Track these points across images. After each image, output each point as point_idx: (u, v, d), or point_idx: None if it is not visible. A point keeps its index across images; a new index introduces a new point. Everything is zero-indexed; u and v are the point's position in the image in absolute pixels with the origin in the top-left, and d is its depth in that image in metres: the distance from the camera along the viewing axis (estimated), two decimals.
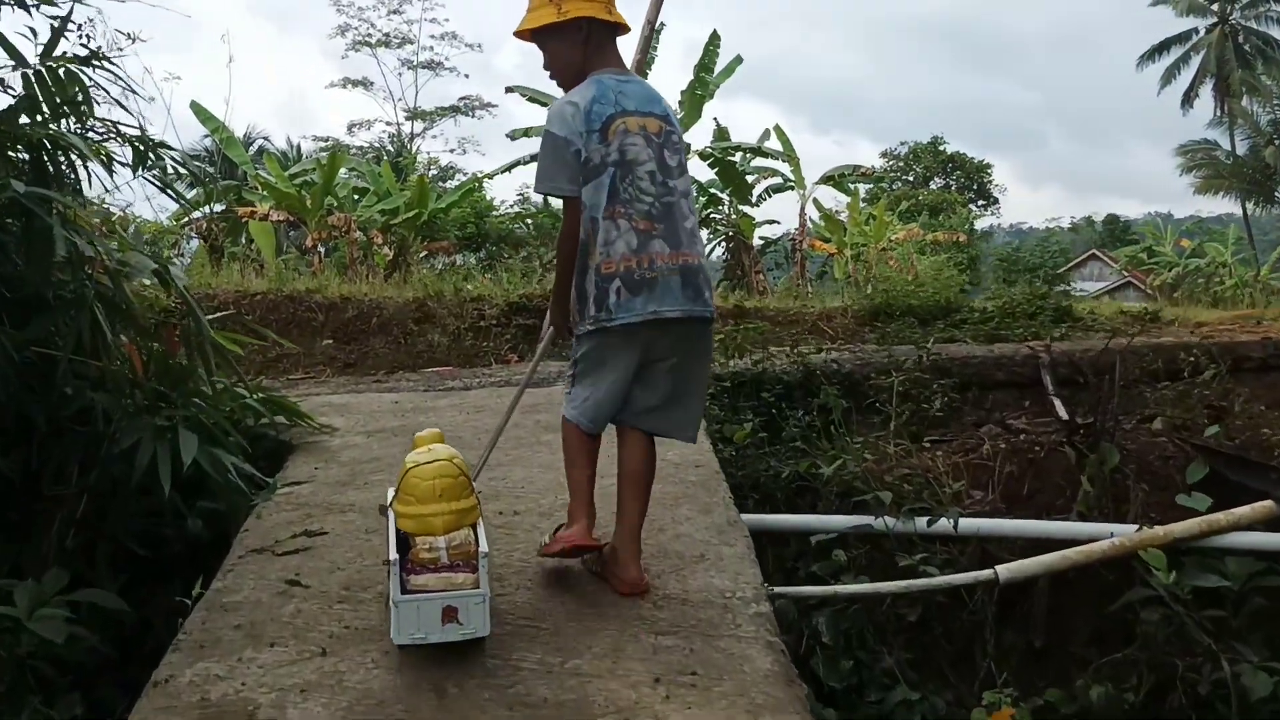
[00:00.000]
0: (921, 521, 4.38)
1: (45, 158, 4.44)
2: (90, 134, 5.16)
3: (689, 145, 3.75)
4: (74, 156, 4.57)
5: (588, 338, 3.44)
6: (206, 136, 25.81)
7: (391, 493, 3.34)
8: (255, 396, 5.22)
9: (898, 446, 4.89)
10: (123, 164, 5.10)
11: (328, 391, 6.50)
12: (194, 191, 29.37)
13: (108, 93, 4.73)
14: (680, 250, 3.41)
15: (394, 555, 3.09)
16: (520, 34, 3.59)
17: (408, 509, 3.16)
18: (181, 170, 5.37)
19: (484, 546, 3.13)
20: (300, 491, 4.48)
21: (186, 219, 22.29)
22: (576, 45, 3.49)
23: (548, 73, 3.65)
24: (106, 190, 4.90)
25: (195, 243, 22.11)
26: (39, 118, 4.51)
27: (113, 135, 5.13)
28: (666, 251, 3.37)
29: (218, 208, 24.28)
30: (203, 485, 4.41)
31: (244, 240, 21.28)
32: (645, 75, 4.24)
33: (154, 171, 5.06)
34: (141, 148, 4.89)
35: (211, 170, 35.30)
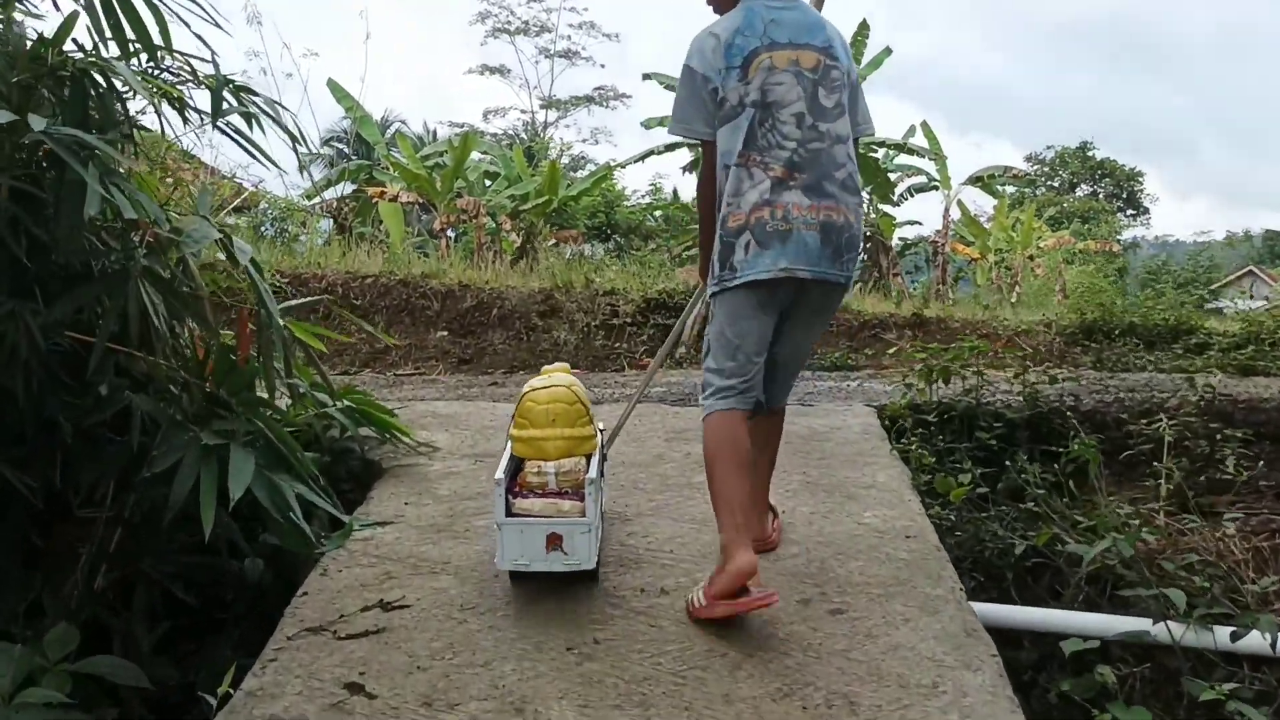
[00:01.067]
0: (1223, 633, 3.09)
1: (84, 94, 3.42)
2: (165, 74, 4.17)
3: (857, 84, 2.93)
4: (125, 91, 3.55)
5: (715, 303, 3.02)
6: (344, 117, 25.24)
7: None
8: (340, 404, 4.16)
9: (1172, 517, 3.59)
10: (197, 111, 4.10)
11: (434, 395, 5.43)
12: (324, 171, 28.91)
13: (188, 26, 3.74)
14: (823, 202, 2.91)
15: (500, 475, 2.92)
16: None
17: (522, 433, 3.07)
18: (279, 129, 4.26)
19: (593, 473, 2.97)
20: (382, 538, 3.38)
21: (317, 197, 21.80)
22: None
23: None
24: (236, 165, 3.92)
25: (326, 222, 21.62)
26: (92, 46, 3.51)
27: (189, 77, 4.13)
28: (805, 203, 2.90)
29: (349, 187, 23.84)
30: (267, 513, 3.37)
31: (373, 221, 20.61)
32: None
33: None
34: (223, 93, 3.89)
35: (344, 147, 35.06)
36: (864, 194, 24.99)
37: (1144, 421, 4.01)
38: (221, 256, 4.04)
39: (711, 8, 3.22)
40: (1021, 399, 4.37)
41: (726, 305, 2.98)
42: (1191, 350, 5.95)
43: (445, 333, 7.28)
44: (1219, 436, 3.90)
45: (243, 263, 3.44)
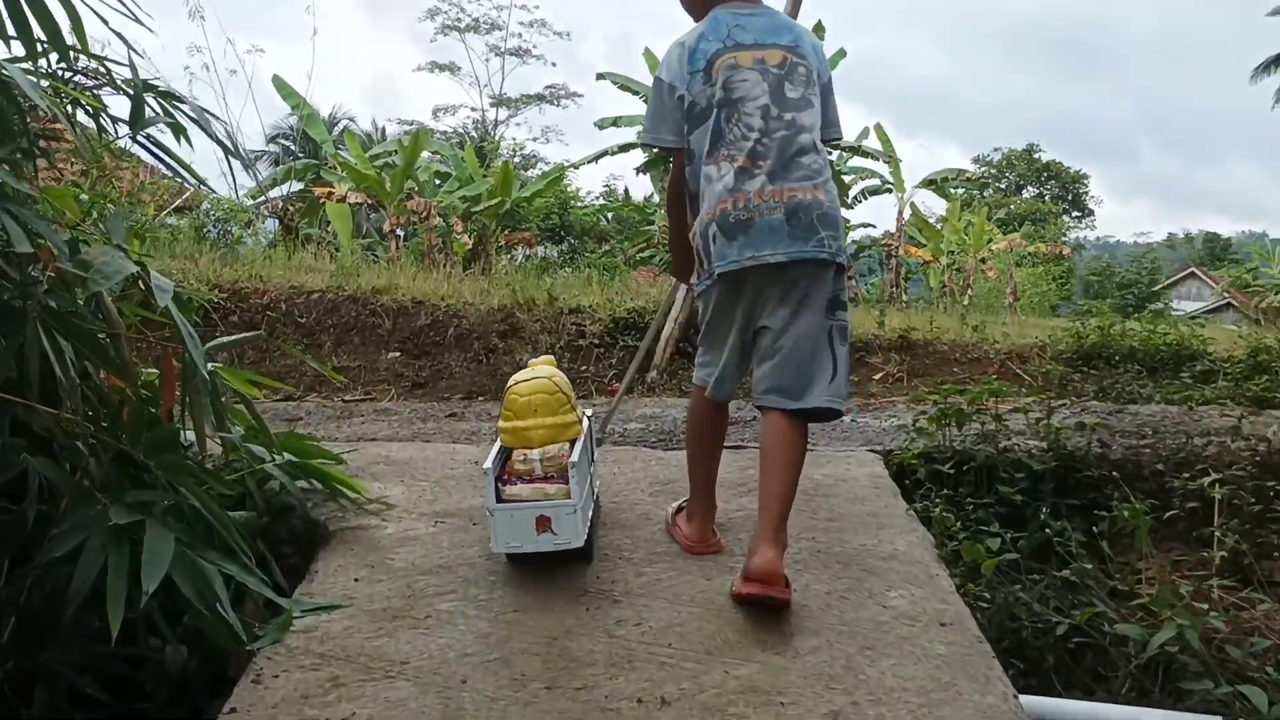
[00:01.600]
0: None
1: None
2: (80, 76, 3.64)
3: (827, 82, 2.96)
4: (19, 98, 2.99)
5: (702, 297, 3.12)
6: (290, 114, 24.42)
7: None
8: (278, 458, 3.61)
9: (1229, 590, 3.14)
10: (114, 120, 3.57)
11: (387, 432, 4.87)
12: (270, 170, 28.11)
13: (105, 22, 3.20)
14: (787, 185, 2.90)
15: (488, 465, 3.06)
16: None
17: (508, 424, 3.19)
18: (216, 137, 3.69)
19: (574, 457, 3.08)
20: (328, 628, 2.84)
21: (262, 197, 21.02)
22: None
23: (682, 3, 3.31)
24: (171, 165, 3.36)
25: (272, 223, 20.86)
26: None
27: (105, 81, 3.60)
28: (769, 188, 2.90)
29: (296, 185, 23.07)
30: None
31: (320, 222, 19.89)
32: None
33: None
34: (144, 100, 3.36)
35: (290, 145, 34.12)
36: None
37: (1185, 476, 3.57)
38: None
39: (687, 8, 3.31)
40: (1045, 445, 3.91)
41: (707, 300, 3.08)
42: (1198, 378, 5.54)
43: (398, 353, 6.71)
44: (1274, 494, 3.46)
45: (162, 303, 2.87)
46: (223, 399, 3.41)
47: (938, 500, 3.50)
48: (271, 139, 35.61)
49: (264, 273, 7.51)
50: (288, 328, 6.90)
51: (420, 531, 3.47)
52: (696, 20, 3.20)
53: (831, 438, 4.51)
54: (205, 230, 16.59)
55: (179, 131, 3.40)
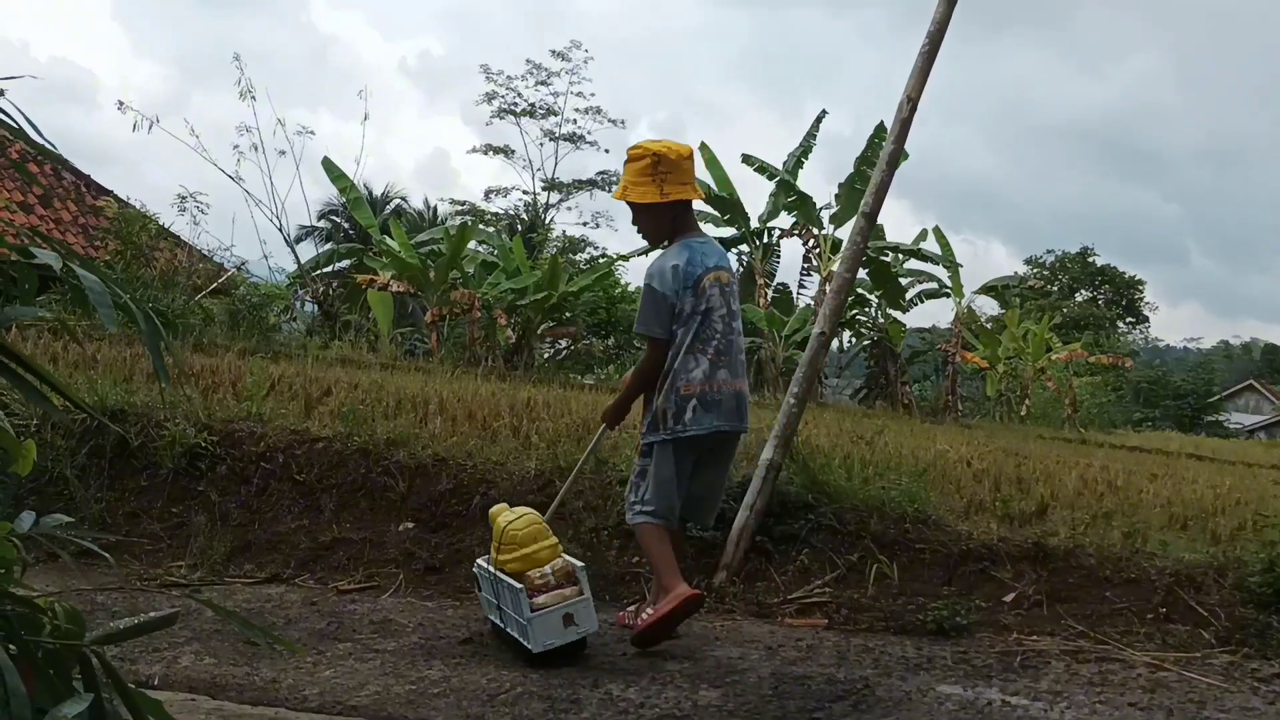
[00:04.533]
0: None
1: None
2: None
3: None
4: None
5: (661, 446, 4.21)
6: (340, 196, 23.60)
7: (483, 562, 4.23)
8: None
9: None
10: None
11: (373, 694, 3.54)
12: (317, 249, 27.40)
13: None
14: (737, 379, 4.29)
15: (520, 584, 3.83)
16: (622, 198, 4.31)
17: (513, 554, 3.91)
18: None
19: (579, 563, 4.00)
20: None
21: (302, 282, 20.05)
22: (668, 219, 4.32)
23: (637, 230, 4.43)
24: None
25: (311, 307, 19.84)
26: None
27: None
28: (729, 379, 4.23)
29: (340, 265, 22.10)
30: None
31: (361, 308, 18.84)
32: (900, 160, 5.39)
33: None
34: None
35: (340, 220, 33.34)
36: (872, 297, 23.45)
37: None
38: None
39: (645, 238, 4.54)
40: None
41: (669, 450, 4.22)
42: None
43: (412, 525, 5.41)
44: None
45: None
46: None
47: None
48: (322, 215, 34.99)
49: (264, 409, 6.26)
50: (283, 484, 5.63)
51: None
52: (653, 240, 4.49)
53: None
54: (240, 315, 15.57)
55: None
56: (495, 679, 3.73)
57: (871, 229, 5.62)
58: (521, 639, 3.87)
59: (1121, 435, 21.43)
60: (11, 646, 1.93)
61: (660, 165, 4.21)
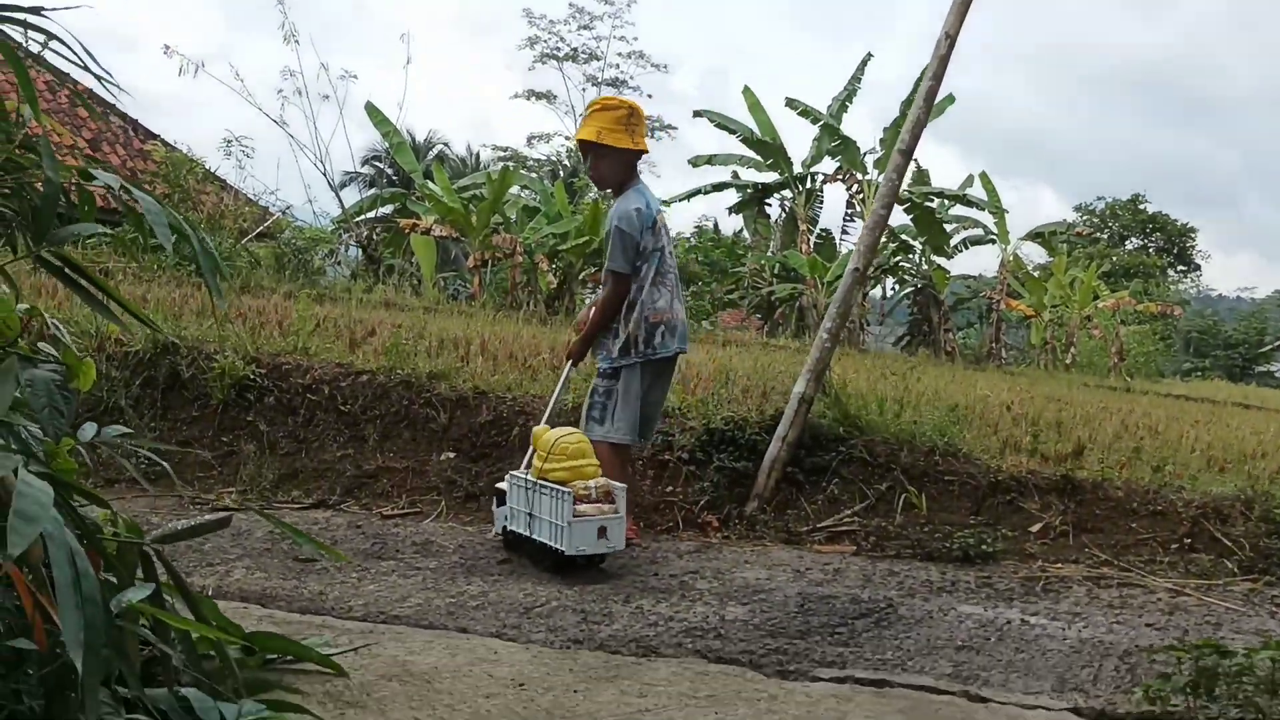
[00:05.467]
0: None
1: None
2: None
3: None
4: None
5: (629, 369, 4.75)
6: (383, 142, 23.70)
7: (525, 465, 4.55)
8: (244, 713, 2.46)
9: None
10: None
11: (416, 604, 3.71)
12: (361, 193, 27.58)
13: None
14: (681, 308, 4.96)
15: (568, 490, 4.11)
16: (584, 141, 4.81)
17: (560, 464, 4.22)
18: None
19: (620, 485, 4.29)
20: None
21: (346, 226, 20.27)
22: (628, 166, 4.86)
23: (592, 175, 5.14)
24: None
25: (355, 251, 20.06)
26: None
27: None
28: (680, 309, 4.91)
29: (384, 211, 22.28)
30: None
31: (405, 253, 19.03)
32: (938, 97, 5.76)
33: None
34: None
35: (384, 166, 33.52)
36: (916, 244, 23.29)
37: None
38: None
39: (601, 182, 5.15)
40: None
41: (637, 372, 4.76)
42: None
43: (453, 454, 5.59)
44: None
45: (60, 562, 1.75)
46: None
47: None
48: (365, 161, 35.18)
49: (310, 344, 6.45)
50: (329, 414, 5.82)
51: None
52: (611, 183, 4.92)
53: (1006, 665, 3.24)
54: (285, 259, 15.81)
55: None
56: (531, 594, 3.90)
57: (908, 166, 5.66)
58: (553, 541, 4.13)
59: (1168, 384, 21.23)
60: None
61: (632, 117, 4.76)
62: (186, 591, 2.51)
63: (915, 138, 5.52)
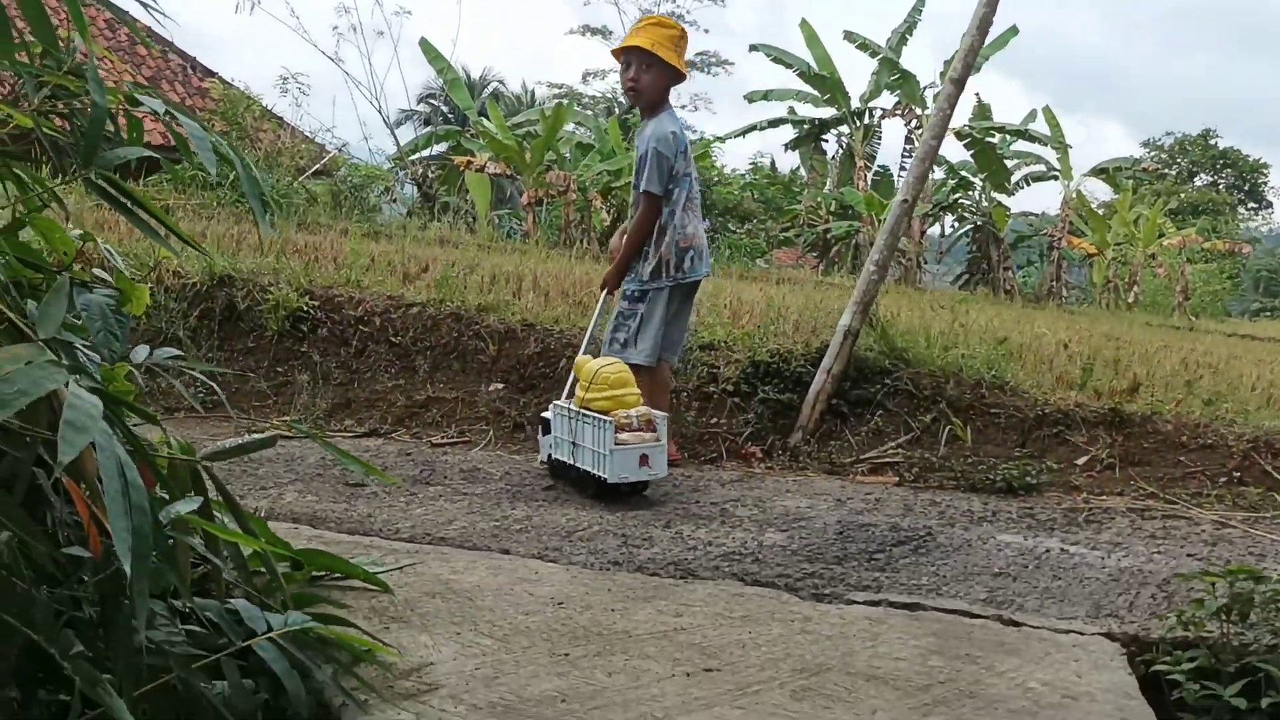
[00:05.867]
0: None
1: None
2: None
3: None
4: None
5: (658, 292, 4.81)
6: (438, 79, 23.72)
7: (566, 395, 4.74)
8: (286, 619, 2.56)
9: None
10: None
11: (460, 526, 3.80)
12: (416, 130, 27.66)
13: None
14: (705, 233, 5.11)
15: (610, 419, 4.19)
16: (634, 49, 4.74)
17: (601, 393, 4.30)
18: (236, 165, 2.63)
19: (661, 414, 4.41)
20: None
21: (402, 164, 20.37)
22: (667, 87, 4.90)
23: (632, 85, 4.84)
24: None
25: (410, 189, 20.20)
26: None
27: None
28: (703, 233, 5.00)
29: (439, 149, 22.35)
30: None
31: (459, 190, 19.12)
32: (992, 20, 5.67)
33: None
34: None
35: (440, 104, 33.52)
36: (976, 180, 22.91)
37: None
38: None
39: (637, 98, 4.92)
40: None
41: (665, 295, 4.82)
42: None
43: (501, 385, 5.68)
44: None
45: (64, 458, 1.81)
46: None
47: None
48: (421, 99, 35.22)
49: (363, 278, 6.55)
50: (380, 346, 5.94)
51: None
52: (647, 102, 4.86)
53: (1042, 592, 3.26)
54: (341, 196, 15.95)
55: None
56: (574, 518, 3.98)
57: (959, 95, 5.58)
58: (596, 469, 4.24)
59: (1234, 324, 20.80)
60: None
61: (682, 41, 4.84)
62: (236, 508, 2.60)
63: (967, 66, 5.43)
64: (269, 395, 5.77)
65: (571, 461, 4.41)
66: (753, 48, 21.76)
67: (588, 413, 4.29)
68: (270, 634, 2.46)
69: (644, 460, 4.19)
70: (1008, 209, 23.11)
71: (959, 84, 5.42)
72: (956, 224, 25.21)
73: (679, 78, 4.90)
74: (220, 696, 2.32)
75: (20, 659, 2.07)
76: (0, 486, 2.12)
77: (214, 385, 3.29)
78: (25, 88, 2.58)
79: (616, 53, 4.95)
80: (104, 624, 2.19)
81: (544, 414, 4.76)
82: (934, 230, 24.91)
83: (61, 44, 2.57)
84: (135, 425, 2.39)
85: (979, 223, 23.39)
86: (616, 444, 4.13)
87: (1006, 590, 3.26)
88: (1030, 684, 2.63)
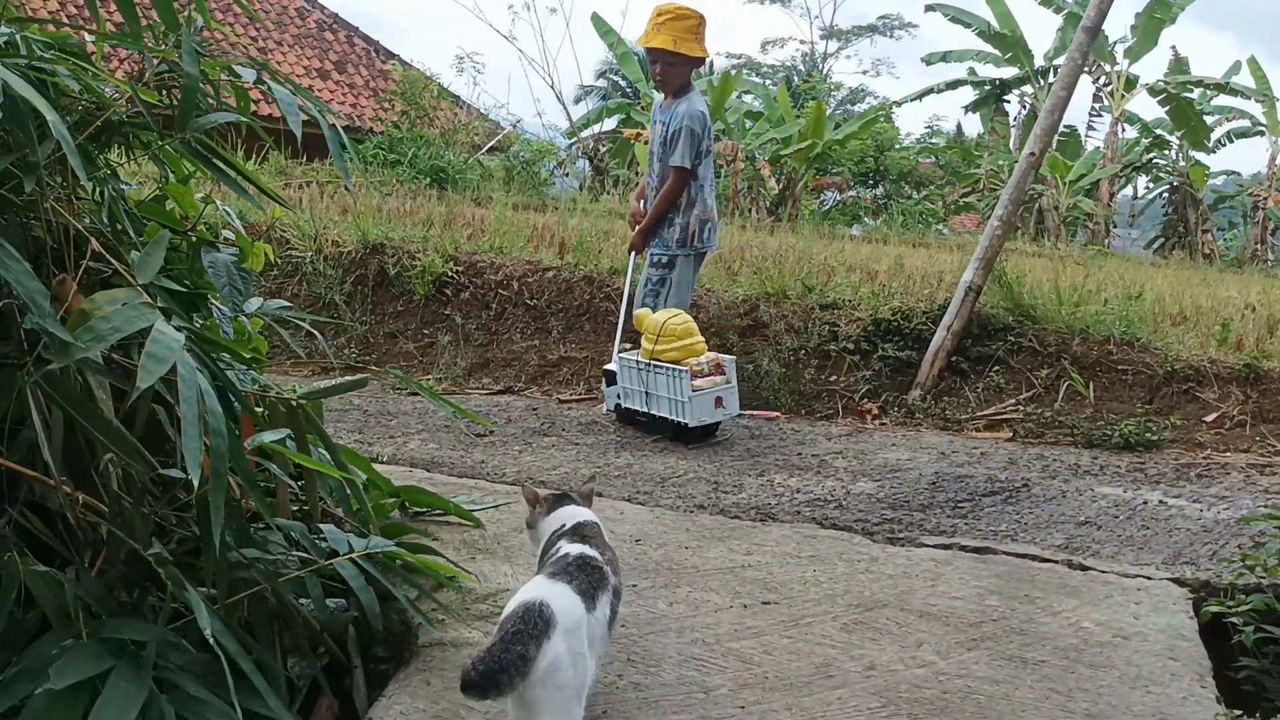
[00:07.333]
0: None
1: None
2: None
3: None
4: None
5: (684, 259, 5.12)
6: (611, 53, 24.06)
7: (626, 352, 4.97)
8: (371, 545, 2.81)
9: None
10: None
11: (563, 473, 4.03)
12: (592, 106, 28.11)
13: None
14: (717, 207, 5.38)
15: (685, 368, 4.52)
16: (657, 49, 5.00)
17: (670, 345, 4.60)
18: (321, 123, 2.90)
19: (728, 357, 4.71)
20: None
21: (575, 139, 20.82)
22: (690, 72, 5.16)
23: (661, 80, 5.13)
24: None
25: (582, 163, 20.62)
26: None
27: None
28: (716, 208, 5.26)
29: (607, 126, 22.71)
30: None
31: (629, 163, 19.42)
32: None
33: None
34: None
35: (619, 79, 34.00)
36: (1173, 138, 21.69)
37: None
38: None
39: (666, 87, 5.14)
40: None
41: (690, 262, 5.16)
42: None
43: (629, 345, 5.87)
44: None
45: (142, 384, 2.09)
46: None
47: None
48: (600, 75, 35.75)
49: (505, 244, 6.85)
50: (517, 309, 6.23)
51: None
52: (674, 88, 5.10)
53: (1123, 540, 3.23)
54: (514, 171, 16.47)
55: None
56: (671, 467, 4.14)
57: (1093, 43, 5.41)
58: (674, 415, 4.56)
59: None
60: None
61: (701, 26, 5.03)
62: (330, 444, 2.87)
63: (1101, 13, 5.27)
64: (415, 355, 6.15)
65: (644, 409, 4.71)
66: (929, 8, 21.19)
67: (660, 364, 4.58)
68: (351, 555, 2.73)
69: (719, 402, 4.52)
70: (1207, 168, 21.80)
71: (1091, 32, 5.26)
72: (1151, 185, 23.95)
73: (701, 62, 5.21)
74: (311, 610, 2.60)
75: (127, 566, 2.37)
76: (123, 421, 2.41)
77: (317, 334, 3.55)
78: (147, 65, 2.89)
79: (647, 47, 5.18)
80: (203, 537, 2.48)
81: (607, 367, 5.08)
82: (1126, 191, 23.74)
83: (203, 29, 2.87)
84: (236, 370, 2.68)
85: (1175, 183, 22.15)
86: (694, 390, 4.44)
87: (1086, 538, 3.25)
88: (1084, 624, 2.65)
